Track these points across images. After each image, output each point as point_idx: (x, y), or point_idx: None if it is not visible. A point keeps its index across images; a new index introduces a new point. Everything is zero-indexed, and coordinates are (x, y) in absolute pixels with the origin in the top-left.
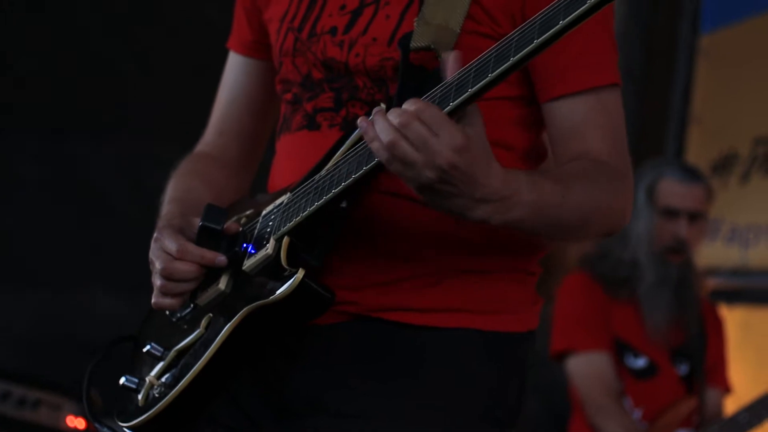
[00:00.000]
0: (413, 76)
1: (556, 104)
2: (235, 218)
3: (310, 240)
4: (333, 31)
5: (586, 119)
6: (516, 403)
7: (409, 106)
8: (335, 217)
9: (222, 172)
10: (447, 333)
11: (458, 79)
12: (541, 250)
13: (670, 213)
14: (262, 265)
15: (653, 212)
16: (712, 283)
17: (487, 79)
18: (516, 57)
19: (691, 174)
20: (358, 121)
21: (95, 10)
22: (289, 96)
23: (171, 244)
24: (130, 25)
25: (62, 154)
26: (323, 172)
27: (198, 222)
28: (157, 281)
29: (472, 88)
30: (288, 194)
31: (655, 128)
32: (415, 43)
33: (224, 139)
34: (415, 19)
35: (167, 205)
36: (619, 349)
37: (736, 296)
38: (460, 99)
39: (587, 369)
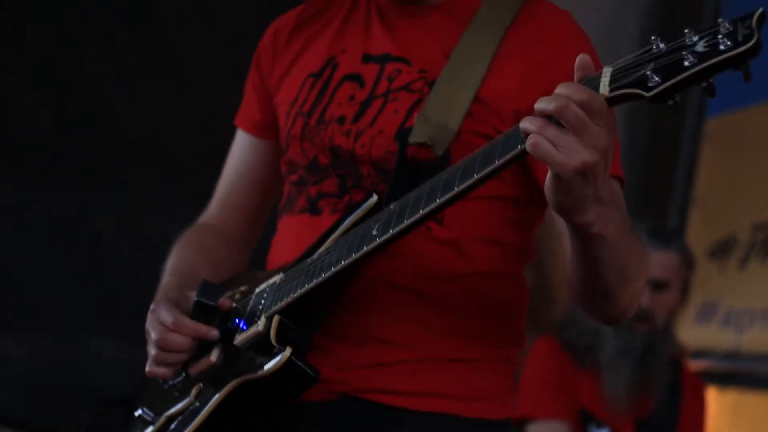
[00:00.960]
0: (410, 169)
1: None
2: (229, 293)
3: (299, 319)
4: (341, 120)
5: None
6: None
7: (566, 93)
8: (324, 300)
9: (222, 246)
10: (427, 417)
11: (428, 188)
12: (522, 342)
13: None
14: (252, 340)
15: None
16: (704, 364)
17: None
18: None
19: (661, 240)
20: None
21: (105, 62)
22: (294, 177)
23: (167, 316)
24: (139, 78)
25: (68, 202)
26: (315, 255)
27: (194, 297)
28: (152, 351)
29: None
30: (281, 274)
31: (657, 210)
32: (413, 139)
33: (227, 213)
34: (417, 114)
35: (167, 276)
36: (583, 419)
37: (728, 380)
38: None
39: None
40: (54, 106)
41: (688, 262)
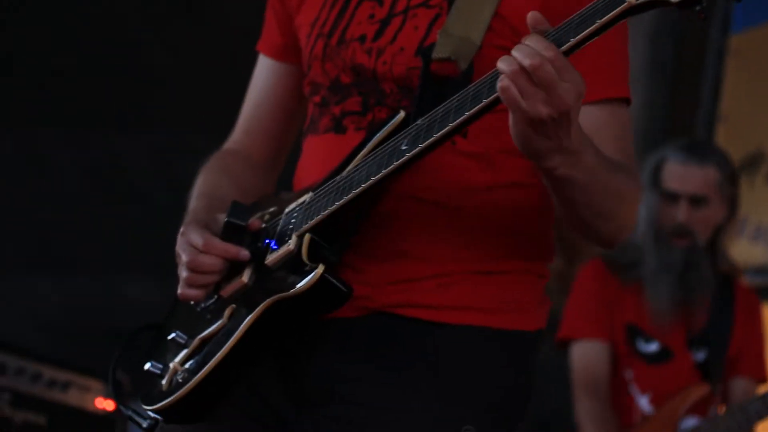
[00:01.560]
0: (434, 84)
1: None
2: (259, 215)
3: (330, 237)
4: (362, 38)
5: (602, 128)
6: (524, 399)
7: (542, 49)
8: (354, 217)
9: (248, 170)
10: (459, 329)
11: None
12: (551, 256)
13: (670, 196)
14: (284, 260)
15: (656, 195)
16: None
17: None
18: None
19: (698, 155)
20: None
21: (132, 3)
22: (317, 98)
23: (197, 238)
24: (164, 18)
25: (96, 145)
26: (344, 173)
27: (223, 218)
28: (183, 273)
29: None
30: (310, 193)
31: (683, 126)
32: (436, 54)
33: (251, 138)
34: (439, 30)
35: (195, 200)
36: (631, 334)
37: (762, 294)
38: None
39: (580, 357)
40: (79, 50)
41: (731, 178)
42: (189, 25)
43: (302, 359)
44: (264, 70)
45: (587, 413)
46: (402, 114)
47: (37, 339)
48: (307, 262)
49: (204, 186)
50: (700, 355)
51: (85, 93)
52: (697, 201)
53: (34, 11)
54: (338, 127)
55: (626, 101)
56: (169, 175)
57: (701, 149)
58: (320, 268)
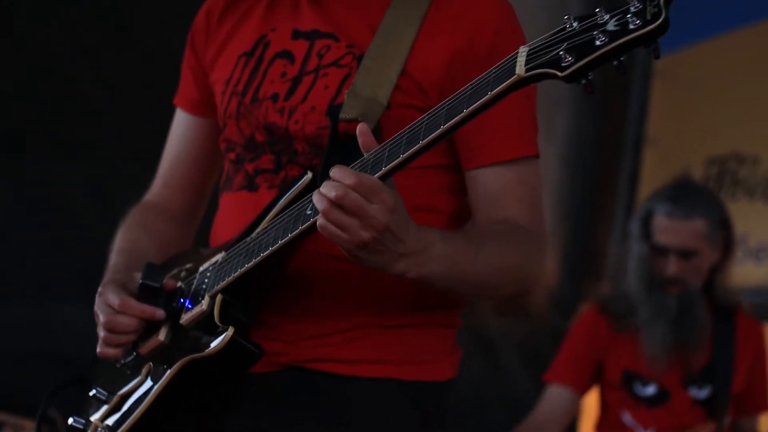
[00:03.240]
0: (343, 144)
1: (477, 173)
2: (175, 271)
3: (241, 297)
4: (274, 97)
5: (505, 189)
6: None
7: (343, 178)
8: (265, 276)
9: (167, 223)
10: (371, 383)
11: (390, 147)
12: (460, 306)
13: (660, 250)
14: (198, 319)
15: (646, 246)
16: None
17: (412, 149)
18: (424, 141)
19: (684, 208)
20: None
21: (66, 35)
22: (232, 155)
23: (114, 299)
24: (99, 51)
25: (33, 173)
26: (254, 234)
27: (139, 278)
28: (101, 333)
29: (386, 165)
30: (223, 253)
31: (611, 150)
32: (343, 115)
33: (170, 191)
34: (347, 90)
35: (114, 257)
36: (628, 380)
37: None
38: (390, 165)
39: (545, 399)
40: (14, 78)
41: (721, 223)
42: (122, 54)
43: (219, 415)
44: (181, 124)
45: None
46: (309, 175)
47: None
48: (219, 323)
49: (123, 242)
50: (703, 393)
51: (18, 120)
52: (685, 255)
53: None
54: (251, 185)
55: (533, 157)
56: (105, 203)
57: (687, 200)
58: (230, 331)
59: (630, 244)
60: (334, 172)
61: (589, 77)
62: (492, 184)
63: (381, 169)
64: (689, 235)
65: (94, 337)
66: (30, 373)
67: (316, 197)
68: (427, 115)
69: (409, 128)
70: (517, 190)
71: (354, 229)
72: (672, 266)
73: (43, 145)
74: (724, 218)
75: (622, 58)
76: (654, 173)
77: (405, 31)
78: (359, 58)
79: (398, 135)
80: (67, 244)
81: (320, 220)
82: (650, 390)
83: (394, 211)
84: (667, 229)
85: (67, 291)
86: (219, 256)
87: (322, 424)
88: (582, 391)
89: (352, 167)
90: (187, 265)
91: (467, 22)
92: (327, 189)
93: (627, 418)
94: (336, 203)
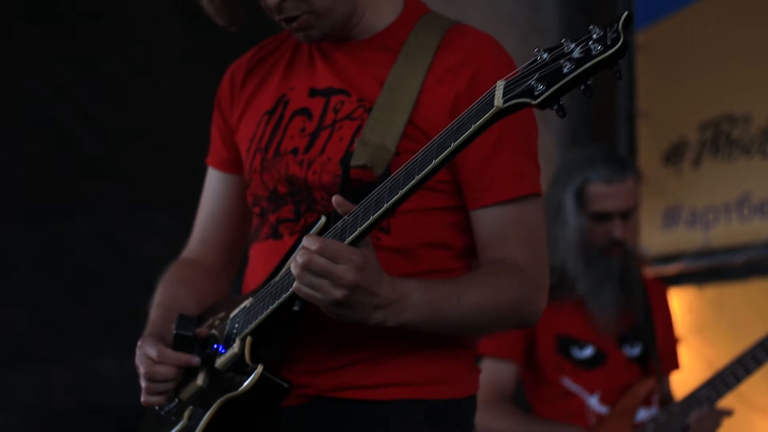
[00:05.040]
0: (354, 190)
1: (480, 213)
2: (209, 321)
3: (270, 337)
4: (294, 151)
5: (506, 229)
6: None
7: (309, 245)
8: (290, 316)
9: (203, 278)
10: (396, 404)
11: (363, 207)
12: None
13: (601, 216)
14: (231, 362)
15: (583, 217)
16: (679, 267)
17: (377, 214)
18: (404, 190)
19: (618, 169)
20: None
21: (57, 90)
22: (257, 209)
23: (151, 350)
24: (95, 104)
25: (46, 234)
26: (277, 277)
27: (173, 329)
28: (143, 383)
29: (361, 225)
30: (250, 298)
31: (605, 127)
32: (353, 162)
33: (206, 246)
34: (357, 140)
35: (153, 312)
36: (563, 345)
37: (705, 277)
38: (355, 234)
39: (487, 374)
40: (15, 147)
41: (640, 178)
42: (119, 110)
43: None
44: (213, 182)
45: (501, 417)
46: (323, 219)
47: (20, 429)
48: (249, 362)
49: (162, 298)
50: (635, 351)
51: (27, 185)
52: (627, 215)
53: None
54: (276, 234)
55: (533, 195)
56: (120, 253)
57: (617, 161)
58: (260, 368)
59: (564, 216)
60: (304, 239)
61: (560, 102)
62: (491, 224)
63: (354, 232)
64: (628, 195)
65: (125, 387)
66: (69, 429)
67: (292, 264)
68: (405, 165)
69: (390, 178)
70: (515, 229)
71: (325, 288)
72: (618, 230)
73: (50, 205)
74: (640, 174)
75: (588, 82)
76: (650, 145)
77: (410, 84)
78: (369, 111)
79: (376, 190)
80: (89, 298)
81: (295, 284)
82: (587, 352)
83: (363, 268)
84: (608, 194)
85: (94, 344)
86: (247, 302)
87: None
88: (521, 361)
89: (329, 232)
90: (221, 314)
91: (468, 69)
92: (299, 255)
93: (568, 383)
94: (304, 267)
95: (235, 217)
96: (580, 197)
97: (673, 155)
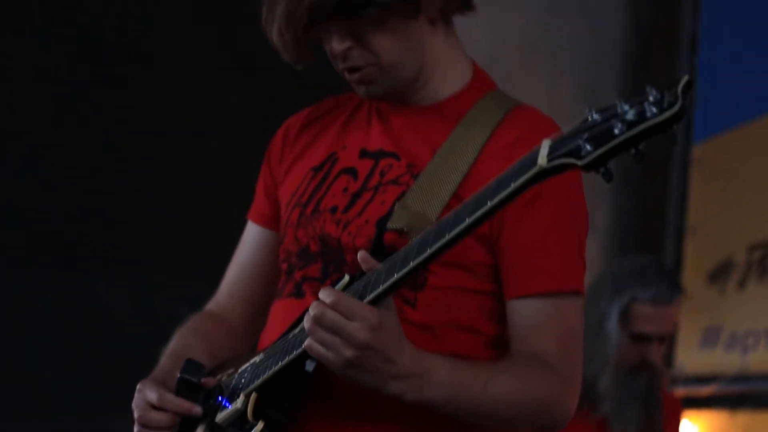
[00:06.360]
0: (385, 253)
1: (517, 303)
2: (219, 376)
3: (277, 396)
4: (333, 209)
5: (542, 323)
6: None
7: (324, 297)
8: (300, 375)
9: (223, 334)
10: None
11: (388, 265)
12: None
13: (641, 338)
14: (233, 417)
15: (624, 335)
16: (713, 389)
17: (401, 273)
18: (431, 250)
19: (668, 291)
20: None
21: (107, 150)
22: (285, 266)
23: (151, 394)
24: (135, 161)
25: (76, 287)
26: (290, 335)
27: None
28: (135, 429)
29: (384, 284)
30: (261, 354)
31: (652, 238)
32: (390, 225)
33: (233, 301)
34: (398, 203)
35: (164, 358)
36: None
37: (738, 402)
38: (376, 292)
39: None
40: (54, 193)
41: (682, 303)
42: (158, 167)
43: None
44: (251, 237)
45: None
46: (347, 278)
47: None
48: (251, 419)
49: (176, 346)
50: None
51: (60, 235)
52: (665, 339)
53: (9, 152)
54: (299, 292)
55: (575, 293)
56: (149, 315)
57: (670, 282)
58: (260, 426)
59: (606, 331)
60: (320, 291)
61: (608, 166)
62: (527, 316)
63: (375, 290)
64: (671, 320)
65: None
66: None
67: (306, 317)
68: (437, 223)
69: (419, 237)
70: (551, 326)
71: (336, 346)
72: (654, 354)
73: (83, 259)
74: (683, 299)
75: (639, 147)
76: (696, 261)
77: (464, 156)
78: (416, 177)
79: (404, 249)
80: (112, 354)
81: (307, 341)
82: None
83: (378, 329)
84: (653, 317)
85: (116, 405)
86: (257, 357)
87: None
88: None
89: (349, 289)
90: (230, 370)
91: (524, 147)
92: (312, 307)
93: None
94: (316, 321)
95: (267, 274)
96: (625, 314)
97: (719, 274)
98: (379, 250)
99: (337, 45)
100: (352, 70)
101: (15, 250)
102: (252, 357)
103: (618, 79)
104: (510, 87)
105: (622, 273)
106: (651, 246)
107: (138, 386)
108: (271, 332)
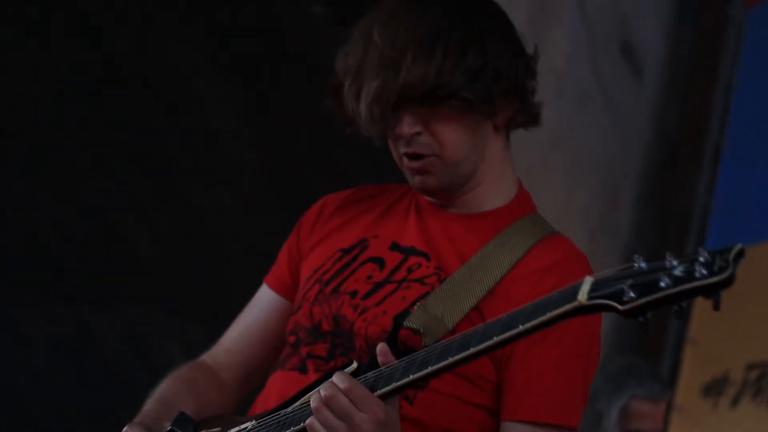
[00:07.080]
0: (396, 349)
1: (511, 425)
2: (205, 431)
3: None
4: (354, 293)
5: None
6: None
7: (339, 382)
8: None
9: (212, 387)
10: None
11: (405, 363)
12: None
13: None
14: None
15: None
16: None
17: (418, 374)
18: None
19: (661, 388)
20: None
21: (117, 187)
22: (293, 338)
23: None
24: (146, 201)
25: (71, 320)
26: (289, 409)
27: (168, 426)
28: None
29: (398, 381)
30: (254, 421)
31: (651, 345)
32: (407, 323)
33: (229, 357)
34: (419, 303)
35: (150, 403)
36: None
37: None
38: (389, 387)
39: None
40: (60, 226)
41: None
42: (171, 209)
43: None
44: (263, 299)
45: None
46: (355, 365)
47: None
48: None
49: (162, 391)
50: None
51: (59, 269)
52: None
53: (15, 188)
54: (302, 367)
55: (569, 429)
56: (143, 354)
57: (661, 380)
58: None
59: (604, 429)
60: (335, 375)
61: (648, 316)
62: None
63: (388, 385)
64: (662, 417)
65: None
66: None
67: (313, 396)
68: (462, 334)
69: (442, 343)
70: None
71: (339, 431)
72: None
73: (80, 292)
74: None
75: (682, 304)
76: (692, 373)
77: (492, 272)
78: (443, 281)
79: (424, 351)
80: (102, 389)
81: (310, 419)
82: None
83: (383, 425)
84: (649, 414)
85: None
86: (249, 424)
87: None
88: None
89: (360, 378)
90: (216, 429)
91: (552, 278)
92: (323, 388)
93: None
94: (325, 403)
95: (270, 341)
96: (623, 414)
97: (714, 388)
98: (392, 344)
99: (407, 128)
100: (415, 157)
101: (14, 280)
102: (242, 421)
103: (638, 183)
104: (529, 182)
105: (619, 373)
106: (649, 353)
107: (124, 429)
108: (266, 399)
